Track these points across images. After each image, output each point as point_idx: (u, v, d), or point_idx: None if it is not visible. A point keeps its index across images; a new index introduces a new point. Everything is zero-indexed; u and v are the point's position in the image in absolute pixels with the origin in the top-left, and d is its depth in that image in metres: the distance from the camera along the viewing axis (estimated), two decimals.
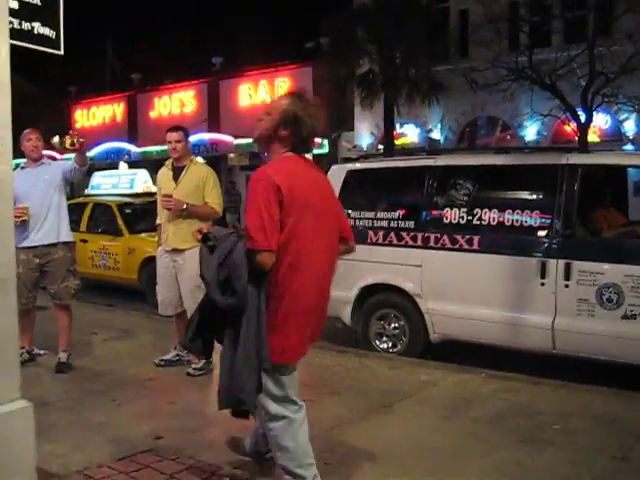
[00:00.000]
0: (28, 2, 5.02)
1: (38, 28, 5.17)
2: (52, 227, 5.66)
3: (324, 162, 21.47)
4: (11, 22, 4.09)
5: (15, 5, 4.70)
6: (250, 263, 2.94)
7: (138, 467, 3.66)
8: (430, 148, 16.75)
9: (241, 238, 3.04)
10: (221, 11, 29.83)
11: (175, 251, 5.63)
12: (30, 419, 3.44)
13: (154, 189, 11.50)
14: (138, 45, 31.57)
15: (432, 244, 6.16)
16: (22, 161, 5.87)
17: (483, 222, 5.97)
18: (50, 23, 5.22)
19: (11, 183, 3.38)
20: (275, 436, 3.16)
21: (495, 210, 5.91)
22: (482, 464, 3.79)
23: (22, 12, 4.95)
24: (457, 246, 6.04)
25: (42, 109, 28.11)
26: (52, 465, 3.68)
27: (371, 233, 6.52)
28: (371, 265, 6.48)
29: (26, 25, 5.08)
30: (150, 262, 9.05)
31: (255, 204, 2.94)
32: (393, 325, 6.50)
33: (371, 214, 6.56)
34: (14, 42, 3.47)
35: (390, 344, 6.53)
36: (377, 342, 6.58)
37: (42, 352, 6.09)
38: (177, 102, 27.89)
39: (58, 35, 5.27)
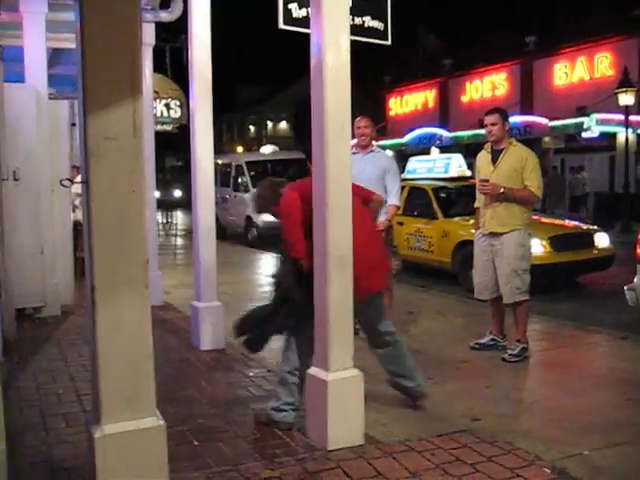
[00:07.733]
0: None
1: (368, 22, 5.53)
2: None
3: None
4: None
5: (349, 2, 5.06)
6: None
7: (456, 445, 3.73)
8: None
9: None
10: None
11: (493, 235, 5.60)
12: (361, 387, 3.72)
13: (468, 173, 11.55)
14: (449, 31, 31.90)
15: None
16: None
17: None
18: (379, 16, 5.55)
19: (350, 167, 3.64)
20: None
21: None
22: None
23: (355, 8, 5.33)
24: None
25: (359, 98, 29.91)
26: (376, 432, 3.91)
27: None
28: None
29: (358, 20, 5.48)
30: (464, 246, 9.14)
31: None
32: None
33: None
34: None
35: None
36: None
37: None
38: (488, 85, 27.66)
39: (386, 27, 5.58)
